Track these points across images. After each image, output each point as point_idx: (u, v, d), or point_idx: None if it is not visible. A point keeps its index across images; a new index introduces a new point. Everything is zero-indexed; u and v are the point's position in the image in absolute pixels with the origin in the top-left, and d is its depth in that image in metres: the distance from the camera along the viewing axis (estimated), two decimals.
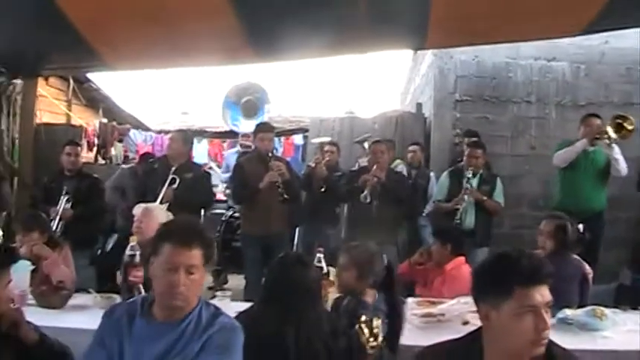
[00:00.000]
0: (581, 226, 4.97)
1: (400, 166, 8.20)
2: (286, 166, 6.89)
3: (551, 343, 2.32)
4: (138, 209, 5.00)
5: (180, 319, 2.66)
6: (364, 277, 3.46)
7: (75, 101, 12.23)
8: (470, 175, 6.76)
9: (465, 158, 7.01)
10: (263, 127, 6.97)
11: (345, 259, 3.65)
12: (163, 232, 2.77)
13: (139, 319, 2.70)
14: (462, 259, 5.18)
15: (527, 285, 2.18)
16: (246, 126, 10.19)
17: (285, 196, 6.52)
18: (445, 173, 7.28)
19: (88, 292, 4.47)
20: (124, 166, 9.83)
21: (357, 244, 3.81)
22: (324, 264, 4.34)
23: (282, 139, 12.50)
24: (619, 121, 6.68)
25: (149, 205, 5.07)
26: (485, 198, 6.79)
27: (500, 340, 2.26)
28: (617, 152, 6.72)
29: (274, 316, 3.00)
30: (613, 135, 6.64)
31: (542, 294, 2.19)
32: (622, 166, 6.75)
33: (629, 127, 6.66)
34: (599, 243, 6.77)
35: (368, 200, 6.49)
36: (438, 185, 7.31)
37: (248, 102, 10.87)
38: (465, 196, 6.70)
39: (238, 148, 10.18)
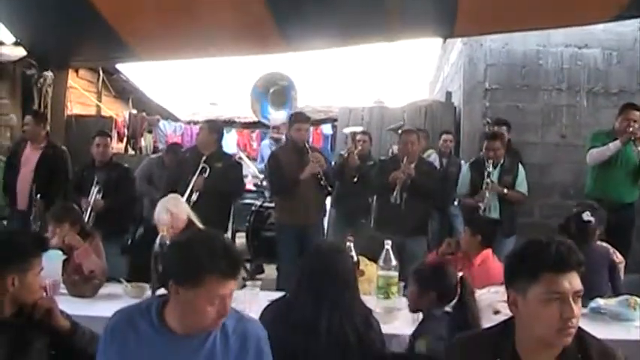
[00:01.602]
0: (586, 215, 4.86)
1: (433, 156, 8.15)
2: (322, 155, 6.91)
3: (584, 332, 2.30)
4: (160, 215, 4.83)
5: (205, 333, 2.51)
6: (425, 293, 3.40)
7: (105, 93, 12.34)
8: (490, 169, 6.64)
9: (483, 150, 6.89)
10: (299, 117, 6.93)
11: (410, 275, 3.60)
12: (206, 262, 2.37)
13: (149, 328, 2.51)
14: (489, 252, 5.11)
15: (555, 271, 2.15)
16: (276, 117, 10.19)
17: (329, 188, 6.61)
18: (466, 166, 7.16)
19: (119, 282, 4.50)
20: (152, 156, 9.88)
21: (425, 262, 3.77)
22: (354, 253, 4.34)
23: (311, 128, 12.49)
24: None
25: (169, 206, 4.92)
26: (506, 191, 6.62)
27: (528, 328, 2.24)
28: None
29: (308, 302, 3.00)
30: None
31: (571, 282, 2.16)
32: None
33: None
34: (631, 233, 6.67)
35: (398, 201, 6.44)
36: (461, 178, 7.13)
37: (276, 91, 10.87)
38: (487, 192, 6.60)
39: (270, 142, 10.20)
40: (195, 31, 6.29)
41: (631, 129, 6.43)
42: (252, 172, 10.14)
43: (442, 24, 6.55)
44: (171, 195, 5.18)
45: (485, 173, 6.64)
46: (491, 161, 6.64)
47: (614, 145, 6.53)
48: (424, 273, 3.43)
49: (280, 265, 7.04)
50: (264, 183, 8.83)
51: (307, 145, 6.70)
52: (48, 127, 7.18)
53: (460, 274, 3.45)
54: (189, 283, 2.37)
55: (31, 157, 7.06)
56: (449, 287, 3.30)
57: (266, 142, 10.84)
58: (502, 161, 6.75)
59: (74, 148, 8.15)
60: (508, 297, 2.31)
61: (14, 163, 7.16)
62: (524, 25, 6.91)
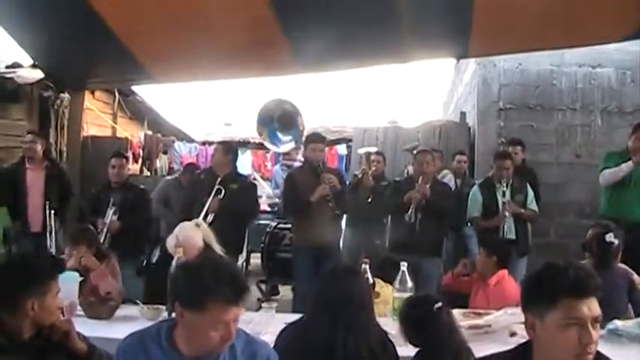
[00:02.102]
0: (609, 236, 4.82)
1: (448, 177, 8.12)
2: (338, 176, 6.90)
3: (601, 355, 2.29)
4: (173, 240, 4.84)
5: (213, 356, 2.53)
6: (408, 329, 3.36)
7: (120, 114, 12.38)
8: (504, 189, 6.64)
9: (494, 171, 6.89)
10: (314, 138, 6.95)
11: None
12: (211, 287, 2.40)
13: (159, 351, 2.56)
14: (504, 272, 5.11)
15: (574, 296, 2.14)
16: (286, 143, 10.25)
17: (337, 211, 6.54)
18: (475, 188, 7.11)
19: (135, 304, 4.52)
20: (168, 177, 9.92)
21: (412, 297, 3.73)
22: (369, 275, 4.33)
23: (326, 149, 12.50)
24: None
25: (178, 234, 4.90)
26: (523, 211, 6.66)
27: (546, 352, 2.23)
28: None
29: (324, 325, 3.00)
30: None
31: (590, 307, 2.14)
32: None
33: None
34: None
35: (412, 220, 6.42)
36: (471, 201, 7.05)
37: (281, 117, 10.94)
38: (506, 212, 6.58)
39: (282, 167, 10.25)
40: (209, 52, 6.35)
41: None
42: (266, 193, 10.17)
43: (456, 44, 6.58)
44: (187, 223, 5.17)
45: (500, 193, 6.65)
46: (504, 181, 6.64)
47: (627, 166, 6.50)
48: (401, 311, 3.40)
49: (296, 286, 7.01)
50: (279, 207, 8.84)
51: (321, 166, 6.69)
52: (62, 147, 7.24)
53: (462, 313, 3.40)
54: (193, 307, 2.42)
55: (36, 178, 7.10)
56: (424, 318, 3.19)
57: (277, 167, 10.87)
58: (511, 181, 6.75)
59: (90, 169, 8.22)
60: (526, 320, 2.29)
61: (20, 187, 7.13)
62: (538, 45, 6.93)
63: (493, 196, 6.73)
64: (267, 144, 9.58)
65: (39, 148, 7.12)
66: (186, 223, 5.00)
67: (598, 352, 2.26)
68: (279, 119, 10.18)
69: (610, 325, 4.10)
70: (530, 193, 6.85)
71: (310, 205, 6.53)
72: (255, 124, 9.48)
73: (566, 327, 2.13)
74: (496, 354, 2.54)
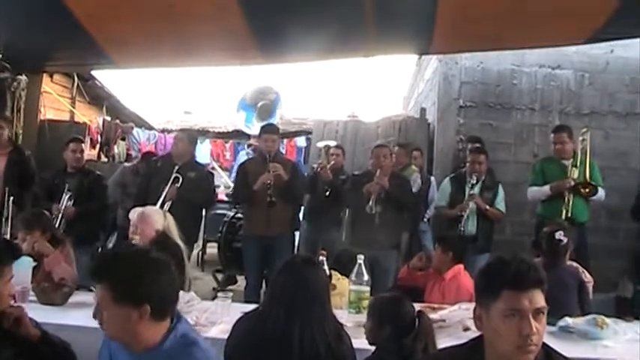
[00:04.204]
0: (558, 234, 4.91)
1: (414, 175, 8.09)
2: (292, 167, 6.91)
3: (552, 350, 2.35)
4: (134, 214, 4.98)
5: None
6: (381, 327, 3.36)
7: (79, 98, 12.24)
8: (473, 182, 6.75)
9: (467, 164, 7.00)
10: (267, 129, 6.95)
11: (368, 307, 3.58)
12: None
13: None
14: (460, 267, 5.16)
15: (515, 289, 2.20)
16: (258, 128, 10.25)
17: (272, 199, 6.46)
18: (447, 179, 7.25)
19: (90, 290, 4.46)
20: (126, 164, 9.84)
21: (381, 295, 3.73)
22: (326, 267, 4.34)
23: (285, 141, 12.52)
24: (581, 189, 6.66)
25: (145, 209, 5.04)
26: (487, 207, 6.76)
27: (492, 344, 2.29)
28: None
29: (281, 315, 3.00)
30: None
31: (531, 299, 2.20)
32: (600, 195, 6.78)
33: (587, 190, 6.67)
34: (585, 253, 6.71)
35: (373, 211, 6.44)
36: (440, 191, 7.27)
37: (264, 106, 10.90)
38: (470, 203, 6.68)
39: (247, 151, 10.22)
40: (171, 39, 6.29)
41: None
42: (224, 183, 10.13)
43: (419, 41, 6.61)
44: (155, 207, 5.17)
45: (469, 186, 6.77)
46: (475, 175, 6.74)
47: (544, 193, 6.81)
48: (380, 307, 3.41)
49: (246, 275, 7.01)
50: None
51: (269, 156, 6.65)
52: (17, 131, 7.11)
53: (418, 308, 3.43)
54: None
55: None
56: (404, 322, 3.25)
57: (243, 152, 10.86)
58: (484, 178, 6.87)
59: (46, 153, 8.08)
60: (474, 313, 2.36)
61: None
62: (500, 45, 6.99)
63: (462, 189, 6.85)
64: (240, 125, 9.61)
65: (5, 132, 6.99)
66: (156, 208, 5.04)
67: (548, 347, 2.33)
68: (261, 107, 10.17)
69: (561, 323, 4.17)
70: (501, 193, 6.95)
71: (254, 194, 6.54)
72: (237, 104, 9.50)
73: (507, 318, 2.19)
74: (449, 347, 2.57)
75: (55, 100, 11.13)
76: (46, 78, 9.18)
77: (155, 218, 4.94)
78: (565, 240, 4.84)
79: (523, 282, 2.21)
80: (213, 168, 11.27)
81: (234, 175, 10.20)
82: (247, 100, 10.97)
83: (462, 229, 6.57)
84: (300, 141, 12.75)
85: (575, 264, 5.06)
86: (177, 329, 2.47)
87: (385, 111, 12.76)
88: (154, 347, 2.41)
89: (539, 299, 2.22)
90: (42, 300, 4.25)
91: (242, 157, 10.43)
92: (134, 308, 2.33)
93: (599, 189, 6.69)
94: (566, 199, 6.63)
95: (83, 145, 7.23)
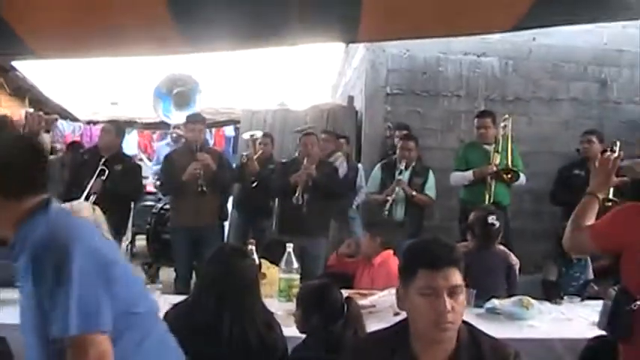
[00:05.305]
0: (490, 218, 5.00)
1: (340, 160, 8.13)
2: (219, 157, 6.86)
3: (476, 330, 2.42)
4: None
5: None
6: (309, 315, 3.33)
7: None
8: (402, 168, 6.82)
9: (397, 151, 7.07)
10: (193, 118, 6.92)
11: (297, 296, 3.56)
12: None
13: None
14: (389, 252, 5.18)
15: (430, 268, 2.27)
16: (178, 117, 10.08)
17: (203, 188, 6.45)
18: (377, 166, 7.33)
19: (14, 287, 4.34)
20: (51, 157, 9.60)
21: (308, 283, 3.72)
22: (256, 256, 4.33)
23: (213, 130, 12.43)
24: (503, 175, 6.90)
25: (73, 204, 4.92)
26: (414, 193, 6.85)
27: (414, 323, 2.35)
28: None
29: (210, 305, 3.00)
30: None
31: (446, 277, 2.26)
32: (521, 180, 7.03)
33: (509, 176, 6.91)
34: (508, 236, 6.86)
35: (300, 202, 6.44)
36: (371, 178, 7.33)
37: (179, 93, 10.72)
38: (397, 188, 6.75)
39: (169, 139, 10.09)
40: (94, 30, 6.14)
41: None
42: (152, 174, 9.99)
43: (345, 29, 6.59)
44: (84, 202, 5.06)
45: (397, 172, 6.85)
46: (404, 161, 6.81)
47: (467, 178, 7.03)
48: (306, 295, 3.41)
49: (176, 267, 6.96)
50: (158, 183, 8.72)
51: (197, 146, 6.62)
52: None
53: (346, 294, 3.44)
54: None
55: None
56: (332, 309, 3.26)
57: (162, 142, 10.71)
58: (414, 164, 6.96)
59: None
60: (397, 292, 2.44)
61: None
62: (426, 33, 7.02)
63: (392, 176, 6.93)
64: (160, 116, 9.45)
65: None
66: (83, 202, 4.94)
67: (472, 327, 2.41)
68: (177, 94, 9.99)
69: (488, 304, 4.26)
70: (431, 179, 7.07)
71: (184, 185, 6.50)
72: (152, 95, 9.32)
73: (423, 296, 2.26)
74: (377, 331, 2.60)
75: None
76: None
77: (83, 213, 4.84)
78: (497, 224, 4.93)
79: (438, 260, 2.28)
80: (140, 159, 11.11)
81: (154, 165, 10.10)
82: (162, 89, 10.78)
83: (387, 212, 6.63)
84: (229, 130, 12.67)
85: (503, 247, 5.15)
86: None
87: (314, 99, 12.70)
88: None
89: (454, 278, 2.28)
90: None
91: (162, 147, 10.25)
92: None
93: (521, 174, 6.88)
94: (488, 184, 6.78)
95: None
